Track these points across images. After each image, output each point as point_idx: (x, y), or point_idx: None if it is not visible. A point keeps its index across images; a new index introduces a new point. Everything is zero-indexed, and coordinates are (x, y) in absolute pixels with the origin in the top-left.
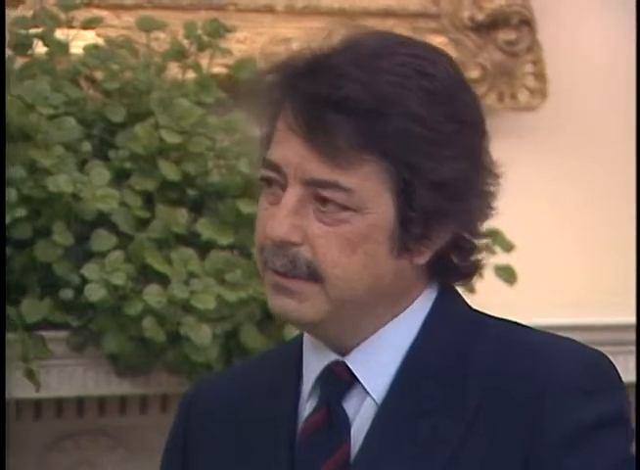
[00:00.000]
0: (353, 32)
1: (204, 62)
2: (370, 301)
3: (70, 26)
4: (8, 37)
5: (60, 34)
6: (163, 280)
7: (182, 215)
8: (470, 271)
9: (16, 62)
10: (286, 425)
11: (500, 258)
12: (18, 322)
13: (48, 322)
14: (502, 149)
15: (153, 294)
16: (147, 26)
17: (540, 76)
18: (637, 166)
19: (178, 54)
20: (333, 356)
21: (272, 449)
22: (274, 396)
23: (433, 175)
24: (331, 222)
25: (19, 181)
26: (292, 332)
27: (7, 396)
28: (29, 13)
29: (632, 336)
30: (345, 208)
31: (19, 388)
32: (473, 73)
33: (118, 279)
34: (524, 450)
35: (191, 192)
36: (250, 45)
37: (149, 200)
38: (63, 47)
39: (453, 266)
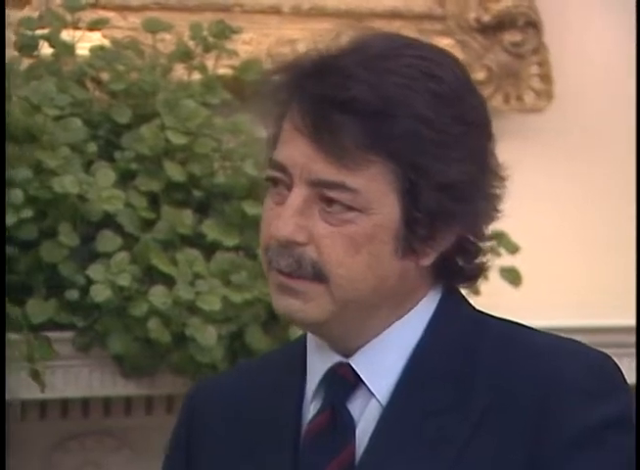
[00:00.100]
0: (360, 34)
1: (209, 63)
2: (374, 301)
3: (76, 28)
4: (14, 38)
5: (66, 35)
6: (169, 281)
7: (187, 216)
8: (474, 274)
9: (22, 63)
10: (290, 426)
11: (505, 259)
12: (23, 323)
13: (53, 323)
14: (508, 151)
15: (158, 295)
16: (153, 28)
17: (546, 78)
18: (637, 167)
19: (184, 55)
20: (337, 358)
21: (276, 451)
22: (278, 396)
23: (439, 177)
24: (336, 223)
25: (25, 182)
26: (297, 333)
27: (13, 396)
28: (35, 14)
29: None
30: (351, 208)
31: (24, 388)
32: (479, 75)
33: (124, 280)
34: (529, 451)
35: (196, 193)
36: (255, 46)
37: (154, 201)
38: (69, 48)
39: (458, 269)
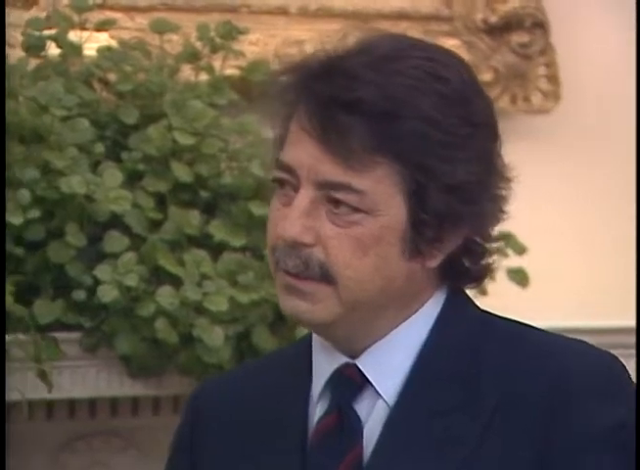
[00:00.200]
0: (367, 35)
1: (216, 64)
2: (381, 303)
3: (84, 28)
4: (21, 39)
5: (73, 36)
6: (176, 281)
7: (195, 217)
8: (480, 275)
9: (29, 63)
10: (296, 428)
11: (513, 260)
12: (30, 323)
13: (61, 323)
14: (515, 151)
15: (165, 295)
16: (160, 29)
17: (553, 79)
18: (637, 167)
19: (191, 56)
20: (343, 359)
21: (283, 452)
22: (283, 397)
23: (446, 178)
24: (343, 224)
25: (32, 182)
26: (303, 334)
27: (20, 396)
28: (43, 14)
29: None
30: (358, 210)
31: (31, 389)
32: (486, 76)
33: (131, 280)
34: (539, 451)
35: (203, 194)
36: (262, 47)
37: (161, 201)
38: (76, 49)
39: (464, 270)
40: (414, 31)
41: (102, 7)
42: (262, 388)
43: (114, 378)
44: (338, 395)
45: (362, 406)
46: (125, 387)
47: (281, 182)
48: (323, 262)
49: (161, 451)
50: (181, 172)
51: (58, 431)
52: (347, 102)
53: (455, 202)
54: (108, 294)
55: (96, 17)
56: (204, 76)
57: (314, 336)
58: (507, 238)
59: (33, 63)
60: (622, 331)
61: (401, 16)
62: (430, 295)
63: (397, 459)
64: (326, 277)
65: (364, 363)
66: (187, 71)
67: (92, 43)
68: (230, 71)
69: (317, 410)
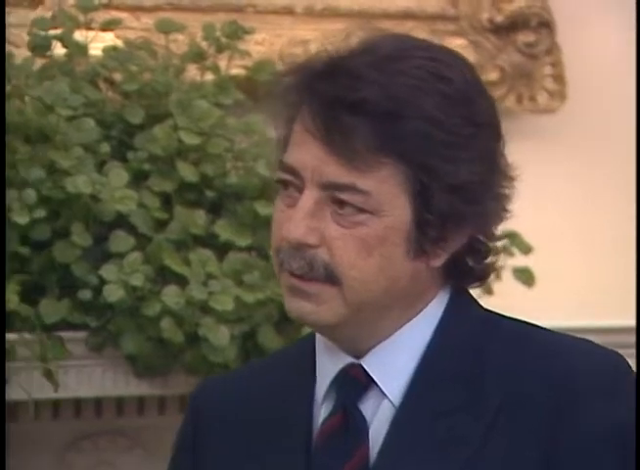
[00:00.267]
0: (370, 35)
1: (222, 63)
2: (386, 303)
3: (89, 28)
4: (27, 38)
5: (79, 36)
6: (182, 281)
7: (200, 217)
8: (484, 274)
9: (35, 63)
10: (301, 428)
11: (518, 260)
12: (36, 322)
13: (66, 323)
14: (521, 151)
15: (171, 295)
16: (166, 28)
17: (559, 78)
18: (637, 167)
19: (197, 56)
20: (348, 359)
21: (288, 453)
22: (287, 397)
23: (450, 178)
24: (348, 225)
25: (38, 182)
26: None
27: (26, 396)
28: (48, 14)
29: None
30: (362, 210)
31: (37, 388)
32: (492, 75)
33: (137, 280)
34: (545, 450)
35: (209, 193)
36: (268, 47)
37: (167, 201)
38: (81, 48)
39: (468, 269)
40: (420, 31)
41: (107, 7)
42: (265, 388)
43: (120, 377)
44: (343, 395)
45: (367, 407)
46: (131, 386)
47: (285, 184)
48: (328, 263)
49: (167, 451)
50: (187, 172)
51: (64, 430)
52: (351, 102)
53: (459, 201)
54: (113, 293)
55: (102, 16)
56: (209, 76)
57: (318, 336)
58: (513, 237)
59: (39, 62)
60: (623, 331)
61: (407, 15)
62: (433, 295)
63: (404, 460)
64: (331, 278)
65: (369, 363)
66: (193, 71)
67: (98, 43)
68: (236, 71)
69: (322, 411)
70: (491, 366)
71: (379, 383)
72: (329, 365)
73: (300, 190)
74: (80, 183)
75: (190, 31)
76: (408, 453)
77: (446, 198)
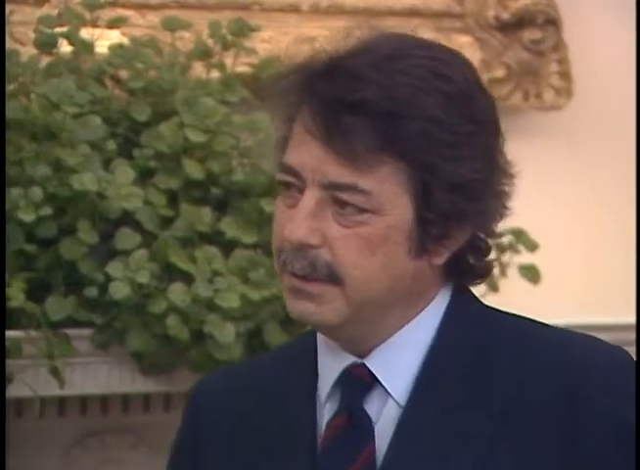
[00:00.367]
0: (370, 34)
1: (228, 61)
2: (389, 302)
3: (95, 26)
4: (33, 36)
5: (85, 33)
6: (187, 278)
7: (206, 214)
8: (485, 272)
9: (41, 60)
10: (305, 428)
11: (524, 257)
12: (42, 320)
13: (72, 320)
14: (527, 148)
15: (177, 292)
16: (172, 26)
17: (566, 75)
18: (637, 167)
19: (203, 53)
20: (351, 359)
21: (292, 453)
22: (289, 397)
23: (450, 177)
24: (349, 224)
25: (44, 180)
26: None
27: (32, 393)
28: (54, 12)
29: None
30: (364, 210)
31: (43, 385)
32: (498, 73)
33: (143, 277)
34: (553, 446)
35: (215, 191)
36: (274, 44)
37: (173, 198)
38: (88, 46)
39: (469, 267)
40: (426, 28)
41: (113, 4)
42: (267, 387)
43: (126, 375)
44: (347, 395)
45: (372, 406)
46: (137, 383)
47: (286, 184)
48: (330, 263)
49: None
50: (192, 169)
51: (69, 427)
52: (351, 102)
53: (460, 199)
54: (119, 291)
55: (107, 14)
56: (215, 74)
57: (319, 335)
58: (519, 234)
59: (45, 60)
60: (623, 328)
61: (413, 12)
62: (435, 293)
63: (413, 458)
64: (333, 278)
65: (373, 363)
66: (198, 69)
67: (104, 40)
68: (241, 69)
69: (325, 411)
70: (497, 363)
71: (383, 382)
72: (332, 365)
73: (302, 190)
74: (86, 180)
75: (196, 29)
76: (417, 452)
77: (447, 196)
